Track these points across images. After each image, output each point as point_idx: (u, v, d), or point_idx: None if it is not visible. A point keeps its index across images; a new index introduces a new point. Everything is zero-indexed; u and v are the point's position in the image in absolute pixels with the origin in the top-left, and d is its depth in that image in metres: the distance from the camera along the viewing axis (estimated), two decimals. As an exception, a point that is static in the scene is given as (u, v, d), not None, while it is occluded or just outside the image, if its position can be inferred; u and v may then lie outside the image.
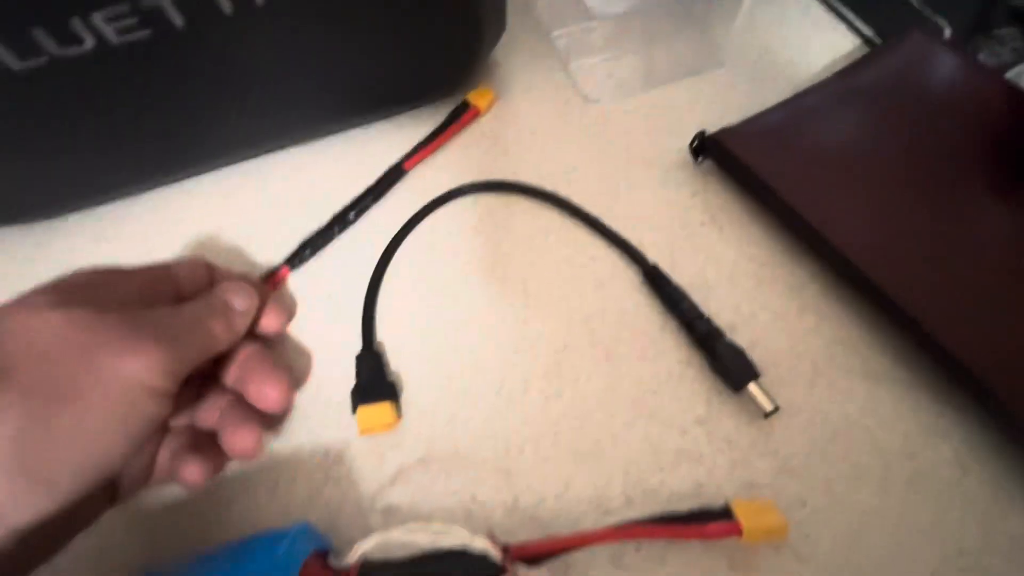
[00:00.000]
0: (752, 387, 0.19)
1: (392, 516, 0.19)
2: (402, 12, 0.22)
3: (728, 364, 0.20)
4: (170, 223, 0.26)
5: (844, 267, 0.21)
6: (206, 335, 0.17)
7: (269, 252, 0.24)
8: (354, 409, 0.20)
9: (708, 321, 0.21)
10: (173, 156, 0.25)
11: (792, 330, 0.21)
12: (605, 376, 0.21)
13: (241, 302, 0.19)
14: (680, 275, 0.23)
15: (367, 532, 0.17)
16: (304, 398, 0.21)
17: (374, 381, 0.21)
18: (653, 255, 0.23)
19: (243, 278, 0.21)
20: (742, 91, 0.28)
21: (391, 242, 0.24)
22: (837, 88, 0.25)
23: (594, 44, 0.30)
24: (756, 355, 0.21)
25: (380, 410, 0.20)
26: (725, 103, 0.27)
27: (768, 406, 0.19)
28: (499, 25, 0.27)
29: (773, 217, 0.23)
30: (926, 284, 0.20)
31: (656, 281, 0.22)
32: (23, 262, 0.25)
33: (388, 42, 0.23)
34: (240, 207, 0.26)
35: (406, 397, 0.21)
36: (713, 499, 0.18)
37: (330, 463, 0.20)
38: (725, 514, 0.16)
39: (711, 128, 0.25)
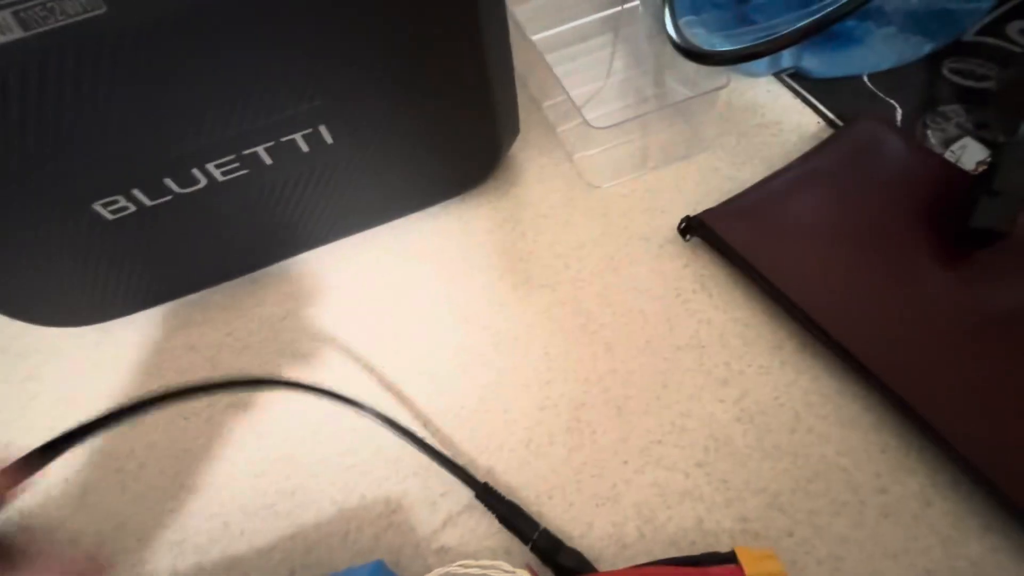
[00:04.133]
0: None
1: (446, 555, 0.23)
2: (435, 127, 0.27)
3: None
4: (242, 309, 0.31)
5: (813, 328, 0.24)
6: None
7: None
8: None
9: (546, 533, 0.21)
10: (254, 255, 0.30)
11: (776, 383, 0.25)
12: (618, 429, 0.25)
13: None
14: (677, 337, 0.27)
15: (426, 569, 0.21)
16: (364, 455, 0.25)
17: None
18: (653, 322, 0.28)
19: None
20: (724, 172, 0.32)
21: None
22: (800, 171, 0.29)
23: (594, 136, 0.35)
24: (746, 405, 0.24)
25: None
26: (709, 184, 0.32)
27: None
28: (514, 128, 0.32)
29: (753, 284, 0.27)
30: (881, 341, 0.23)
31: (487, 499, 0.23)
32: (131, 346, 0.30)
33: (424, 151, 0.28)
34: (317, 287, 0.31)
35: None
36: (713, 532, 0.22)
37: (390, 511, 0.24)
38: (730, 559, 0.20)
39: (697, 206, 0.30)
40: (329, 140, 0.25)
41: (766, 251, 0.26)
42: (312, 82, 0.23)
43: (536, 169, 0.35)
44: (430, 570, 0.22)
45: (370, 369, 0.28)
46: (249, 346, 0.29)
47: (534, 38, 0.35)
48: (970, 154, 0.30)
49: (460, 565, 0.19)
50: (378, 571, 0.20)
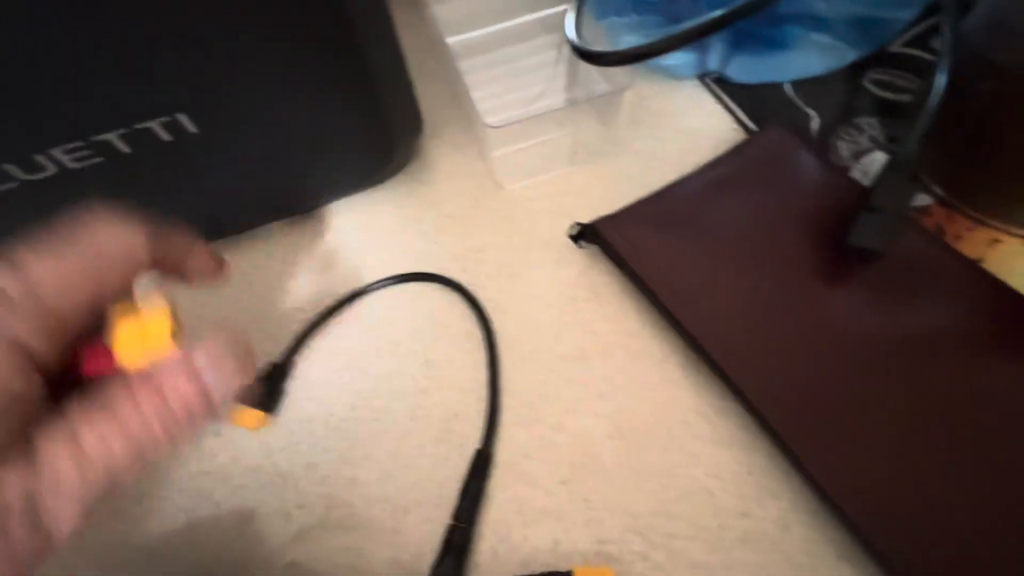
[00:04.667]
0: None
1: (296, 569, 0.22)
2: (313, 123, 0.26)
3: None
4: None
5: (693, 344, 0.24)
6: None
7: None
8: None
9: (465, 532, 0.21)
10: None
11: (654, 399, 0.24)
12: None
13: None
14: (562, 347, 0.26)
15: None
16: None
17: (271, 389, 0.25)
18: (542, 331, 0.27)
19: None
20: (635, 178, 0.31)
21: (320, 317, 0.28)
22: (701, 180, 0.28)
23: (500, 136, 0.34)
24: (620, 421, 0.24)
25: (252, 415, 0.24)
26: (618, 188, 0.31)
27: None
28: (414, 124, 0.31)
29: (643, 296, 0.26)
30: (756, 361, 0.22)
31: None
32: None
33: (304, 146, 0.27)
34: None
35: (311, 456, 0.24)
36: (567, 554, 0.21)
37: (243, 521, 0.23)
38: None
39: (602, 211, 0.29)
40: (192, 129, 0.24)
41: (655, 262, 0.25)
42: (164, 68, 0.21)
43: (449, 167, 0.33)
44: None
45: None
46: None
47: (449, 40, 0.34)
48: (878, 168, 0.29)
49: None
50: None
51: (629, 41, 0.26)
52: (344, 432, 0.25)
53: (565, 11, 0.32)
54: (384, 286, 0.29)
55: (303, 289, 0.29)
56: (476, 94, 0.30)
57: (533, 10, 0.36)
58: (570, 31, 0.28)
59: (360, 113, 0.26)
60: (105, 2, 0.19)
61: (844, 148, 0.31)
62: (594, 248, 0.29)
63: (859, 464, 0.20)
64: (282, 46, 0.22)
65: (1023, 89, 0.23)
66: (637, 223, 0.27)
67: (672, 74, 0.35)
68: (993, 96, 0.24)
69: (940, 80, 0.24)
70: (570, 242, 0.29)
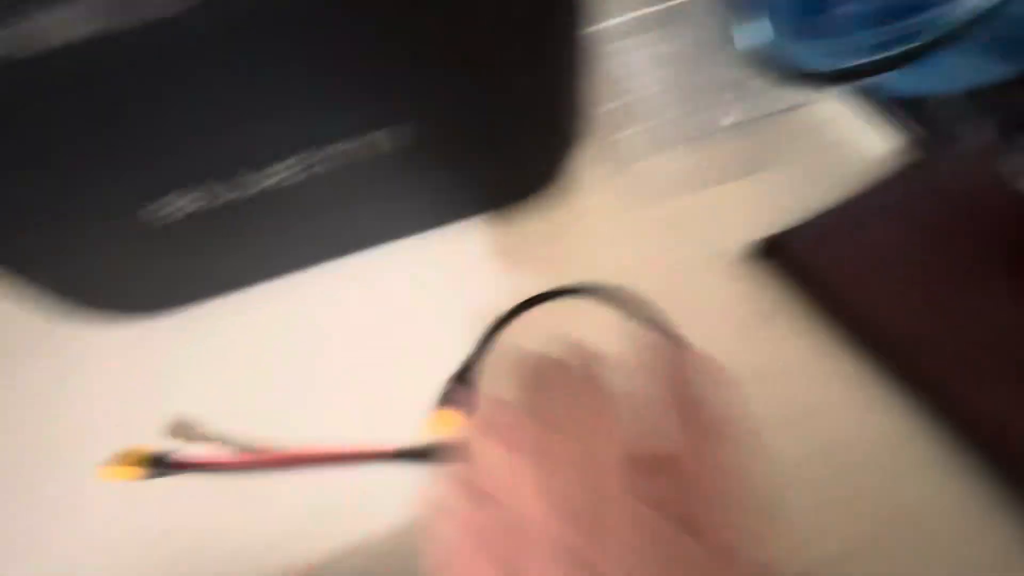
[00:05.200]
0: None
1: None
2: (498, 132, 0.26)
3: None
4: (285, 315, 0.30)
5: (901, 365, 0.23)
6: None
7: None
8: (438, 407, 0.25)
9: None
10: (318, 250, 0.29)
11: (852, 421, 0.24)
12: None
13: None
14: (743, 367, 0.26)
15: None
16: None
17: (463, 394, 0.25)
18: (717, 348, 0.26)
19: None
20: (792, 193, 0.31)
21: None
22: (882, 199, 0.27)
23: (651, 147, 0.33)
24: (817, 444, 0.23)
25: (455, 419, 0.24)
26: (776, 204, 0.30)
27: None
28: (580, 134, 0.31)
29: (832, 314, 0.26)
30: (970, 380, 0.22)
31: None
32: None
33: (484, 157, 0.27)
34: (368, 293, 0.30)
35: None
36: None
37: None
38: None
39: (763, 227, 0.29)
40: (405, 142, 0.24)
41: (849, 278, 0.25)
42: (386, 86, 0.21)
43: (590, 180, 0.33)
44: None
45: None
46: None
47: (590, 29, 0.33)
48: None
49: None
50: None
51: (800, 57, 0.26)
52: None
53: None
54: (553, 298, 0.29)
55: (475, 295, 0.29)
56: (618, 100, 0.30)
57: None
58: (766, 46, 0.27)
59: (546, 119, 0.26)
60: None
61: (1011, 163, 0.30)
62: (763, 265, 0.28)
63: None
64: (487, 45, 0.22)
65: None
66: (822, 239, 0.27)
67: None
68: None
69: None
70: (734, 258, 0.29)
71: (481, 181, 0.28)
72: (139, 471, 0.24)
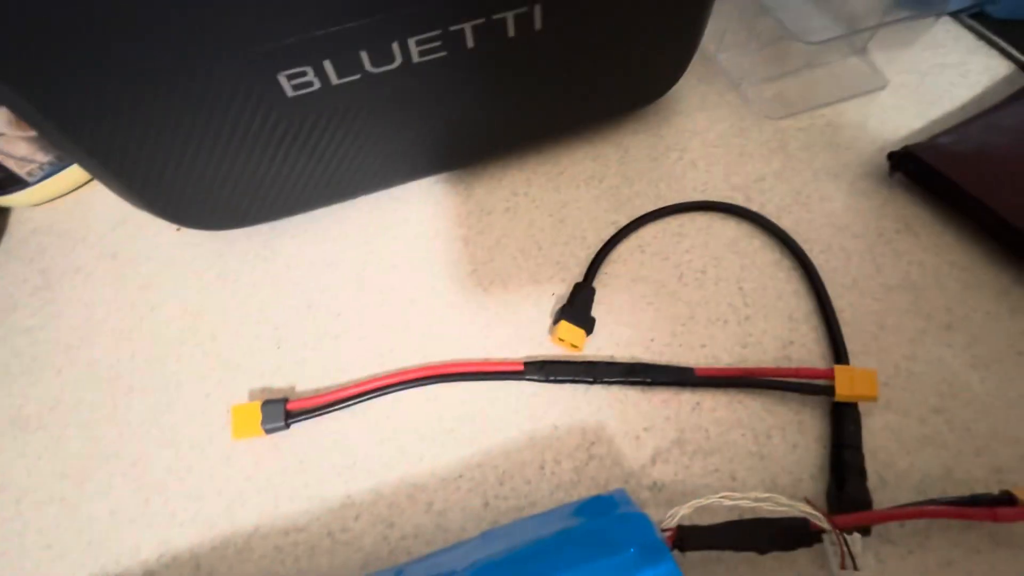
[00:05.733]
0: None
1: (660, 492, 0.20)
2: (640, 25, 0.24)
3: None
4: (386, 226, 0.28)
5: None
6: None
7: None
8: (557, 321, 0.24)
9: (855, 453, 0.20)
10: (429, 158, 0.27)
11: (1008, 331, 0.23)
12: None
13: None
14: (886, 277, 0.25)
15: (641, 505, 0.19)
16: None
17: (582, 309, 0.24)
18: (856, 261, 0.25)
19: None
20: (910, 111, 0.30)
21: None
22: (1016, 114, 0.26)
23: (758, 66, 0.32)
24: (978, 352, 0.22)
25: (576, 332, 0.23)
26: (895, 122, 0.29)
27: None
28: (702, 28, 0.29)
29: (970, 225, 0.25)
30: None
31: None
32: (258, 259, 0.28)
33: (623, 52, 0.25)
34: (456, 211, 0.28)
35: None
36: (965, 481, 0.20)
37: (589, 443, 0.22)
38: (1009, 500, 0.18)
39: (884, 145, 0.28)
40: (538, 25, 0.22)
41: (993, 187, 0.24)
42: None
43: (697, 98, 0.32)
44: (645, 506, 0.20)
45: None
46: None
47: None
48: None
49: (726, 497, 0.17)
50: (624, 500, 0.17)
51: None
52: (671, 357, 0.23)
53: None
54: (669, 214, 0.27)
55: (586, 214, 0.28)
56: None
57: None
58: None
59: (689, 15, 0.24)
60: None
61: None
62: (892, 180, 0.27)
63: None
64: None
65: None
66: (957, 150, 0.25)
67: (926, 8, 0.33)
68: None
69: None
70: (860, 173, 0.28)
71: (602, 81, 0.26)
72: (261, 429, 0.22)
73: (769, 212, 0.27)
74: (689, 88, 0.32)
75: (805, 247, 0.26)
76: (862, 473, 0.20)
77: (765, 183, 0.28)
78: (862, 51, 0.32)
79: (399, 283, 0.26)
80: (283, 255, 0.28)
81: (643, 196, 0.28)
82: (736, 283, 0.25)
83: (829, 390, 0.21)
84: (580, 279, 0.25)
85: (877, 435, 0.21)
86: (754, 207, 0.27)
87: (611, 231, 0.27)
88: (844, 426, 0.20)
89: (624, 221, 0.27)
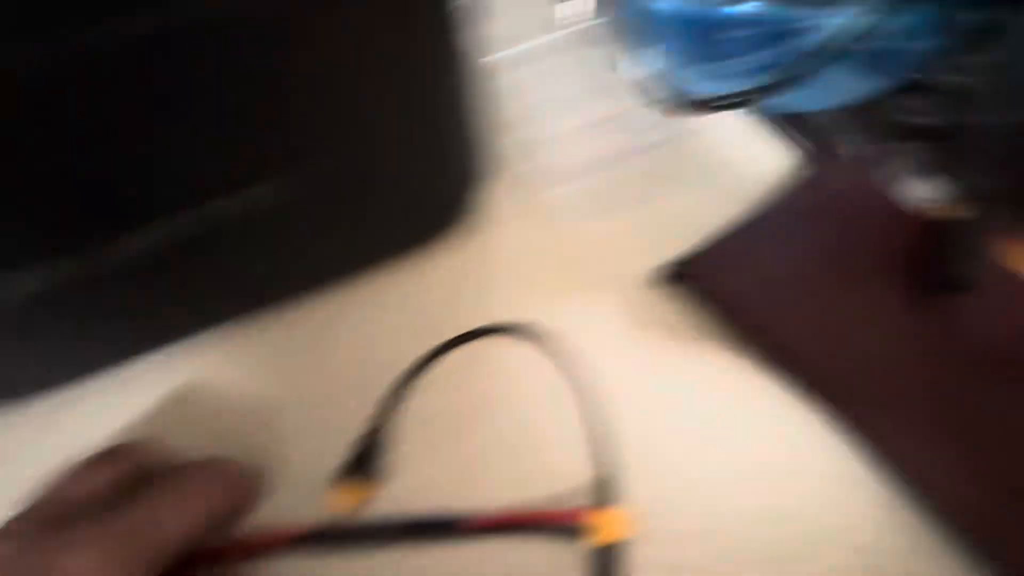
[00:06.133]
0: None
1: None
2: (384, 177, 0.25)
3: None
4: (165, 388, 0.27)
5: (803, 382, 0.23)
6: (154, 532, 0.17)
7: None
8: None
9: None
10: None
11: (773, 437, 0.24)
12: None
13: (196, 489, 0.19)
14: (657, 387, 0.25)
15: None
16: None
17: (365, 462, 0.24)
18: (636, 368, 0.26)
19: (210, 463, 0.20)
20: (699, 212, 0.31)
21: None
22: (775, 217, 0.28)
23: (556, 177, 0.33)
24: (742, 463, 0.23)
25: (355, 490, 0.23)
26: (684, 224, 0.30)
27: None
28: (480, 172, 0.30)
29: (739, 335, 0.26)
30: (873, 399, 0.22)
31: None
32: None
33: (373, 205, 0.25)
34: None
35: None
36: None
37: None
38: None
39: (673, 248, 0.29)
40: (271, 198, 0.22)
41: (749, 301, 0.25)
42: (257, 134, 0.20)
43: (501, 211, 0.33)
44: None
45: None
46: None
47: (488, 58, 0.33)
48: (925, 192, 0.30)
49: None
50: None
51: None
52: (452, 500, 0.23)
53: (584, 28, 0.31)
54: (453, 347, 0.27)
55: (374, 355, 0.28)
56: (535, 132, 0.30)
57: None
58: (669, 76, 0.28)
59: (435, 162, 0.25)
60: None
61: (894, 175, 0.32)
62: (667, 289, 0.28)
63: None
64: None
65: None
66: (720, 260, 0.27)
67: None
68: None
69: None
70: (648, 281, 0.29)
71: (377, 227, 0.27)
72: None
73: (553, 330, 0.28)
74: (494, 201, 0.33)
75: (588, 365, 0.26)
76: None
77: (554, 299, 0.29)
78: (655, 157, 0.34)
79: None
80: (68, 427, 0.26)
81: (443, 322, 0.28)
82: (518, 415, 0.25)
83: (586, 532, 0.21)
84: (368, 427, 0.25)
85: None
86: (543, 324, 0.28)
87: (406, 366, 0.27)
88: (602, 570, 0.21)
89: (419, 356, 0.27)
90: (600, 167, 0.32)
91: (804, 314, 0.25)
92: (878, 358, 0.23)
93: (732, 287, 0.26)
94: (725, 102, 0.25)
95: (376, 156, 0.23)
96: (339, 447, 0.25)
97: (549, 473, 0.24)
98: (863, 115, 0.34)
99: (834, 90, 0.34)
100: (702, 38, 0.33)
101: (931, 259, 0.24)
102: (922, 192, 0.30)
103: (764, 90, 0.26)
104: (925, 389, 0.22)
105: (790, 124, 0.34)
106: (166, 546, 0.17)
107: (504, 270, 0.30)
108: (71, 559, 0.16)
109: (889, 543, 0.21)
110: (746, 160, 0.33)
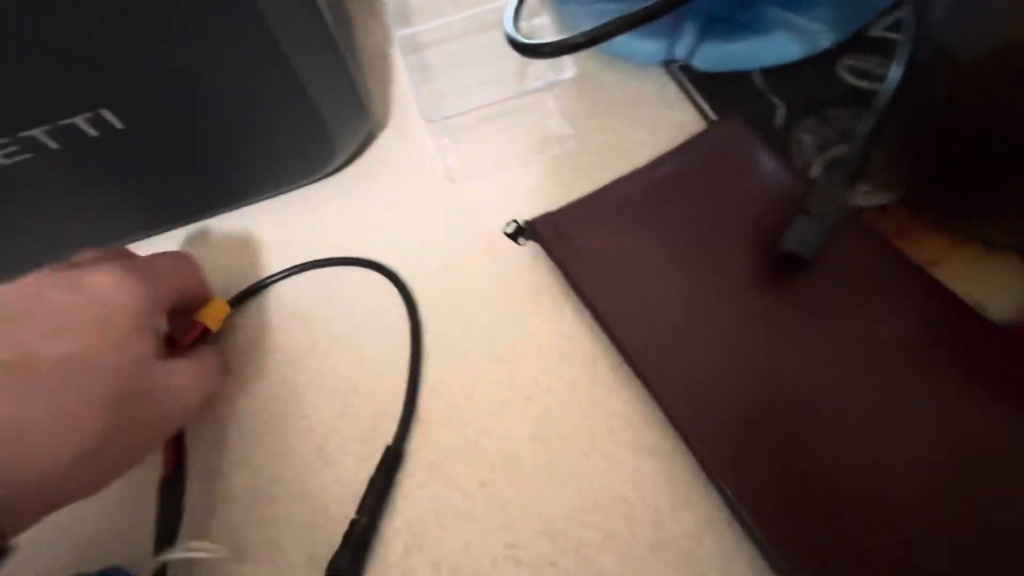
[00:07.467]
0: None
1: (211, 562, 0.22)
2: (242, 118, 0.26)
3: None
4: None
5: (620, 349, 0.23)
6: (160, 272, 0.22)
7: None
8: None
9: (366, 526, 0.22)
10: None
11: (580, 403, 0.24)
12: (413, 440, 0.24)
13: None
14: (495, 347, 0.26)
15: None
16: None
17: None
18: (476, 329, 0.26)
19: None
20: (587, 172, 0.30)
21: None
22: (646, 177, 0.27)
23: (461, 129, 0.33)
24: (544, 424, 0.23)
25: None
26: (571, 183, 0.30)
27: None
28: (357, 118, 0.30)
29: (578, 297, 0.26)
30: (678, 372, 0.22)
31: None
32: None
33: (237, 141, 0.27)
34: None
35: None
36: (477, 556, 0.21)
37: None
38: None
39: (552, 207, 0.28)
40: (119, 125, 0.24)
41: (588, 263, 0.25)
42: (88, 62, 0.21)
43: (401, 162, 0.33)
44: None
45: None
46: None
47: (400, 33, 0.32)
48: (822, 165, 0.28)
49: None
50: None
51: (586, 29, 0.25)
52: (273, 428, 0.25)
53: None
54: (315, 267, 0.29)
55: (237, 276, 0.29)
56: (427, 88, 0.30)
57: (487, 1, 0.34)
58: (508, 23, 0.27)
59: (290, 109, 0.26)
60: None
61: (809, 142, 0.29)
62: (535, 246, 0.28)
63: (767, 478, 0.19)
64: (206, 43, 0.22)
65: (986, 80, 0.21)
66: (575, 221, 0.26)
67: (637, 62, 0.34)
68: (954, 87, 0.22)
69: (895, 72, 0.22)
70: (504, 242, 0.29)
71: (244, 161, 0.28)
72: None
73: (418, 278, 0.28)
74: (394, 151, 0.33)
75: (435, 314, 0.27)
76: (361, 545, 0.21)
77: (426, 249, 0.29)
78: (548, 111, 0.33)
79: None
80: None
81: (307, 256, 0.29)
82: (359, 353, 0.26)
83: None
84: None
85: (421, 506, 0.22)
86: (407, 272, 0.28)
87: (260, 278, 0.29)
88: (365, 498, 0.22)
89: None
90: (490, 124, 0.31)
91: (639, 285, 0.24)
92: (697, 336, 0.22)
93: (572, 249, 0.25)
94: (558, 47, 0.24)
95: (216, 96, 0.24)
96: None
97: (370, 406, 0.25)
98: (798, 76, 0.31)
99: (778, 46, 0.31)
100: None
101: (777, 233, 0.22)
102: (827, 158, 0.28)
103: (606, 31, 0.24)
104: (742, 375, 0.21)
105: (710, 84, 0.32)
106: (168, 288, 0.22)
107: (377, 213, 0.31)
108: (99, 274, 0.19)
109: (676, 519, 0.21)
110: (659, 121, 0.32)
